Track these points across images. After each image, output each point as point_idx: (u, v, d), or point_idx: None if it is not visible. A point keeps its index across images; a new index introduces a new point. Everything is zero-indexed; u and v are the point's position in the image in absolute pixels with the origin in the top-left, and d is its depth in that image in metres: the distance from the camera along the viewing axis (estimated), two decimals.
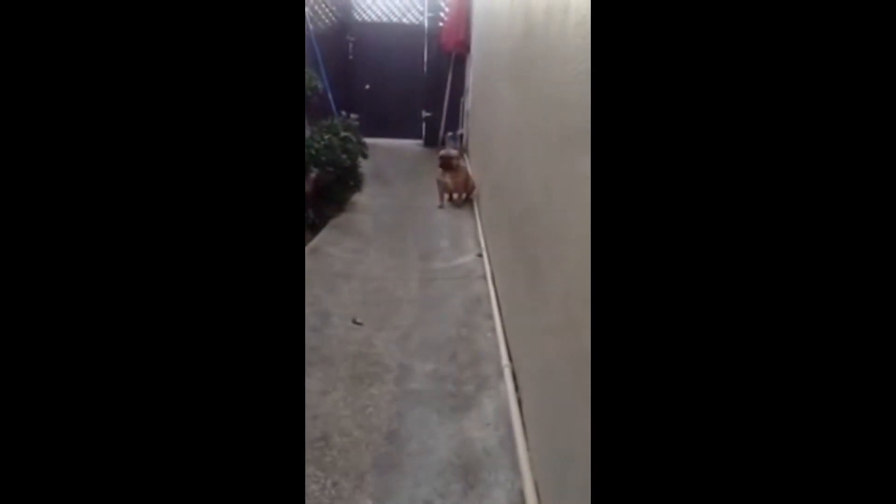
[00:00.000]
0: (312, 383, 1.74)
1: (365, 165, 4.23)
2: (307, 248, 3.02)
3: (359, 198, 4.12)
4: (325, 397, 1.66)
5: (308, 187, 3.48)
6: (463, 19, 5.89)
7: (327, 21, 5.73)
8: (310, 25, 4.83)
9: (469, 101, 5.52)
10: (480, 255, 2.91)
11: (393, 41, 6.98)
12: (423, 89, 6.80)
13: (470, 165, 4.54)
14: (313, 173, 3.53)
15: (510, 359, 1.76)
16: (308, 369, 1.82)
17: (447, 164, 4.05)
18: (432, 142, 6.54)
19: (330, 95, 5.07)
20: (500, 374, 1.73)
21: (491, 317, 2.20)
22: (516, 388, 1.58)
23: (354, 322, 2.19)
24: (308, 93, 4.05)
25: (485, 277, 2.61)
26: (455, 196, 4.22)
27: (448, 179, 4.10)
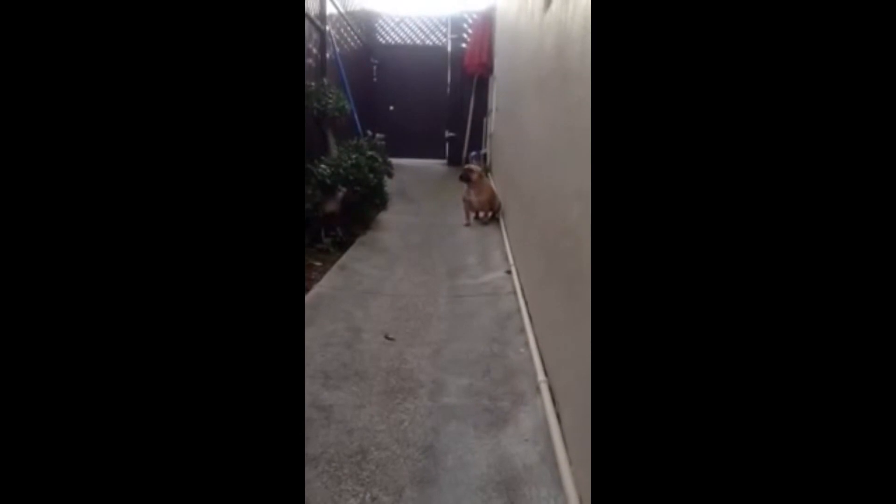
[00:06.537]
0: (347, 398, 1.74)
1: (390, 185, 4.29)
2: (336, 266, 3.06)
3: (385, 216, 4.16)
4: (360, 411, 1.66)
5: (336, 206, 3.54)
6: (486, 41, 6.00)
7: (352, 44, 5.87)
8: (336, 48, 4.95)
9: (492, 121, 5.57)
10: (509, 272, 2.91)
11: (416, 63, 7.12)
12: (447, 110, 6.90)
13: (494, 183, 4.56)
14: (341, 192, 3.59)
15: (546, 374, 1.74)
16: (342, 384, 1.83)
17: (467, 177, 4.11)
18: (456, 161, 6.61)
19: (356, 116, 5.18)
20: (536, 390, 1.71)
21: (523, 332, 2.18)
22: (554, 403, 1.56)
23: (386, 338, 2.20)
24: (336, 114, 4.15)
25: (514, 293, 2.60)
26: (481, 214, 4.25)
27: (473, 197, 4.14)
